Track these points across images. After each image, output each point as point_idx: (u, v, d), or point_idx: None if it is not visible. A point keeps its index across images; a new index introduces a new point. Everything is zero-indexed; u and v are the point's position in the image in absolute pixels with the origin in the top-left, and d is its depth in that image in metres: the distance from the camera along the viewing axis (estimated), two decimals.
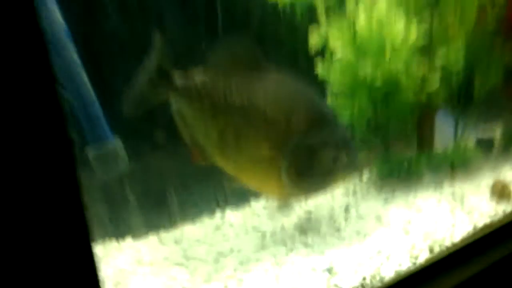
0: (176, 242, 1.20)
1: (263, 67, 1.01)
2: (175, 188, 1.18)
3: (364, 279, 0.92)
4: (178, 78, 1.03)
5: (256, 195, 1.37)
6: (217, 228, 1.26)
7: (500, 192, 1.26)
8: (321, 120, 1.02)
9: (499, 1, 1.27)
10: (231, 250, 1.13)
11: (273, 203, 1.33)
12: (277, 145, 0.99)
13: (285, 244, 1.12)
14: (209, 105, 1.00)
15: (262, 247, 1.12)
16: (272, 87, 1.01)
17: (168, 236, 1.23)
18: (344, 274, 0.94)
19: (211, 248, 1.15)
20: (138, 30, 1.08)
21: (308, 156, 1.00)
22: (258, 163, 1.01)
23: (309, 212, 1.28)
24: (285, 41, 1.21)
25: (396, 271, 0.95)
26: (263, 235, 1.19)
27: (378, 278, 0.93)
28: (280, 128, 0.99)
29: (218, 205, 1.30)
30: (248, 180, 1.07)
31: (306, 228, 1.20)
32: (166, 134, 1.15)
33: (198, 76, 1.04)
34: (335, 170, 1.03)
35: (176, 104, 1.05)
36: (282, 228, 1.21)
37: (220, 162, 1.06)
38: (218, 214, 1.33)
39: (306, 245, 1.11)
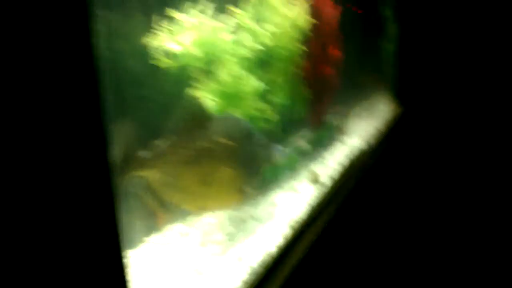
0: None
1: (208, 115, 1.38)
2: None
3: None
4: (143, 155, 1.27)
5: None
6: None
7: (313, 178, 1.96)
8: (249, 133, 1.45)
9: (301, 53, 1.92)
10: None
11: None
12: (232, 162, 1.37)
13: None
14: (180, 160, 1.28)
15: None
16: (220, 124, 1.38)
17: None
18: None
19: None
20: None
21: (251, 157, 1.43)
22: (221, 184, 1.36)
23: None
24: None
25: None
26: None
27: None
28: (230, 149, 1.37)
29: None
30: (214, 203, 1.42)
31: None
32: None
33: (161, 145, 1.30)
34: (264, 157, 1.51)
35: (145, 177, 1.29)
36: None
37: (188, 204, 1.37)
38: None
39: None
